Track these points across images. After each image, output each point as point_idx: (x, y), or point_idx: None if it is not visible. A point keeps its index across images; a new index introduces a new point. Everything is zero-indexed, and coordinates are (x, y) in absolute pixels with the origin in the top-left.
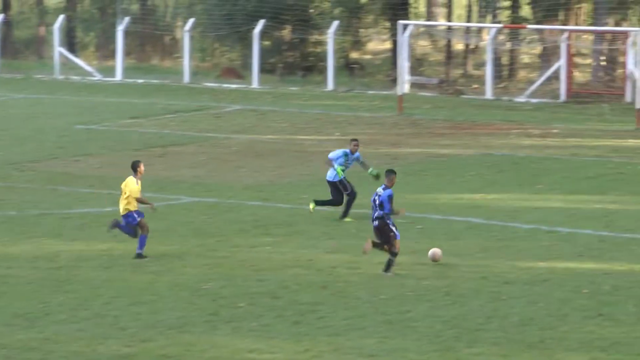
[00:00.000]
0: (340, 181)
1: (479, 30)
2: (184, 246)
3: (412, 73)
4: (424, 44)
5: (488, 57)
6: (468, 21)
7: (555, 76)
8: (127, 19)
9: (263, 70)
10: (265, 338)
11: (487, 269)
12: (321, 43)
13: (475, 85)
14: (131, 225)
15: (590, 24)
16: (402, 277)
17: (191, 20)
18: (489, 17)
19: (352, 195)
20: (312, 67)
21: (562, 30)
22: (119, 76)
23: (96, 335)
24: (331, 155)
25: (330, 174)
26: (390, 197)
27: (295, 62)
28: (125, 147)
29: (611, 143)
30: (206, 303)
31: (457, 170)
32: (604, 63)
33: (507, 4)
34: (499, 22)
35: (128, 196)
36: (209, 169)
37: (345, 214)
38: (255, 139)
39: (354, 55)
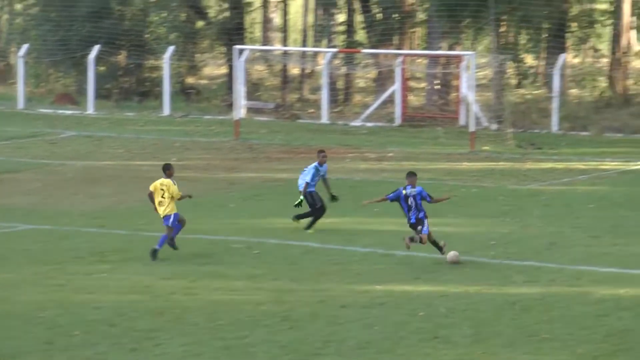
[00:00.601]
0: (310, 193)
1: (315, 54)
2: (19, 274)
3: (248, 98)
4: (260, 69)
5: (324, 81)
6: (304, 46)
7: (390, 100)
8: None
9: (99, 95)
10: None
11: (324, 293)
12: (157, 68)
13: (311, 110)
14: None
15: (424, 48)
16: (240, 303)
17: (25, 46)
18: (325, 42)
19: (321, 211)
20: (148, 92)
21: (397, 55)
22: None
23: None
24: (303, 175)
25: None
26: (423, 190)
27: (131, 88)
28: None
29: (445, 166)
30: (41, 331)
31: (293, 194)
32: (438, 87)
33: (342, 28)
34: (334, 47)
35: (171, 197)
36: (44, 196)
37: (309, 226)
38: (91, 165)
39: (190, 80)
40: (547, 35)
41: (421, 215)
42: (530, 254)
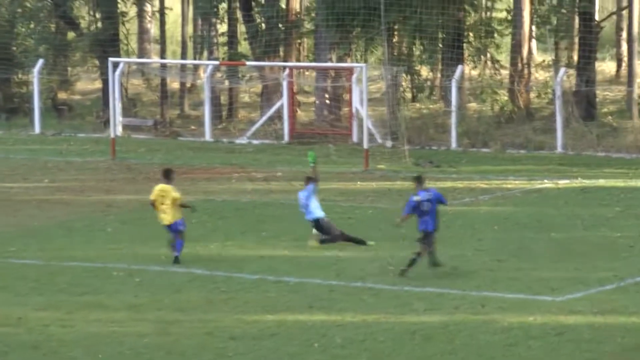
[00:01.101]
0: (318, 220)
1: (195, 67)
2: None
3: (124, 114)
4: (136, 83)
5: (205, 96)
6: (183, 58)
7: (278, 116)
8: None
9: None
10: None
11: (211, 324)
12: (26, 83)
13: (193, 127)
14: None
15: (312, 60)
16: (121, 335)
17: None
18: (205, 54)
19: (334, 239)
20: (16, 109)
21: (283, 67)
22: None
23: None
24: (302, 199)
25: (309, 216)
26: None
27: None
28: None
29: (338, 186)
30: None
31: None
32: (328, 101)
33: (223, 40)
34: (215, 59)
35: (173, 203)
36: None
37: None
38: None
39: (63, 95)
40: (442, 45)
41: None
42: (431, 279)
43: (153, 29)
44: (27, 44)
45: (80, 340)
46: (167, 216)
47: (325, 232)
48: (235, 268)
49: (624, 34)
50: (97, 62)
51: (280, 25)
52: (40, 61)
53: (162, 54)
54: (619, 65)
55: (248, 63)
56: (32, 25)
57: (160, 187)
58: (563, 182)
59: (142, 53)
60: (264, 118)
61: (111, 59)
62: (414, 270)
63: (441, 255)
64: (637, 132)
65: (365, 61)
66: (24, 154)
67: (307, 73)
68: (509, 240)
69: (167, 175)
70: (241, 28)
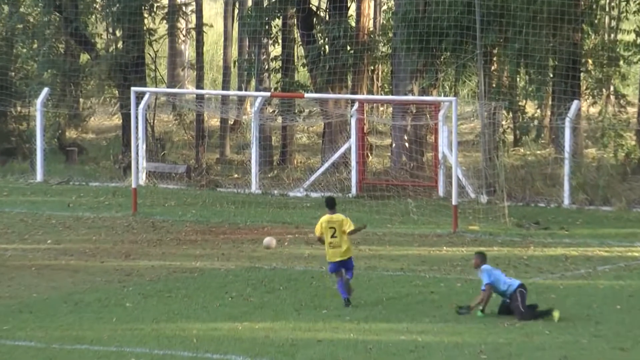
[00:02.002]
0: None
1: (241, 100)
2: None
3: (150, 158)
4: (166, 119)
5: (253, 136)
6: (225, 88)
7: (344, 162)
8: None
9: None
10: None
11: None
12: (26, 117)
13: (236, 175)
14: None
15: (389, 92)
16: None
17: None
18: (253, 83)
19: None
20: (14, 150)
21: (351, 101)
22: None
23: None
24: (501, 281)
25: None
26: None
27: None
28: None
29: (419, 252)
30: None
31: (212, 290)
32: (407, 144)
33: (276, 65)
34: (266, 90)
35: (343, 234)
36: None
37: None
38: None
39: (72, 134)
40: (553, 75)
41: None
42: None
43: (188, 51)
44: (29, 68)
45: None
46: (337, 250)
47: (523, 301)
48: (285, 355)
49: None
50: (116, 92)
51: (348, 48)
52: (45, 90)
53: (199, 83)
54: None
55: (307, 95)
56: (35, 45)
57: (327, 217)
58: None
59: (173, 81)
60: (326, 165)
61: (134, 89)
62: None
63: (550, 340)
64: None
65: (456, 94)
66: (22, 207)
67: (381, 109)
68: (634, 323)
69: (332, 205)
70: (299, 51)
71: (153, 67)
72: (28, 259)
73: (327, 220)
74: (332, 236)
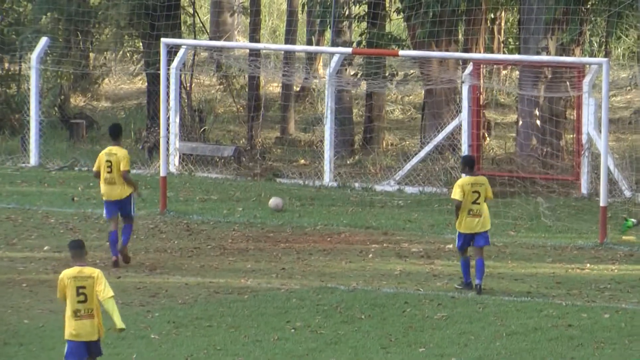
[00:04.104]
0: None
1: (310, 58)
2: None
3: (185, 136)
4: (208, 83)
5: (327, 108)
6: (289, 42)
7: (451, 145)
8: None
9: None
10: None
11: None
12: (17, 77)
13: (303, 161)
14: None
15: (514, 50)
16: None
17: None
18: (329, 35)
19: None
20: (0, 123)
21: (463, 61)
22: None
23: None
24: None
25: None
26: None
27: None
28: None
29: (553, 269)
30: None
31: (269, 317)
32: (539, 123)
33: (360, 10)
34: (346, 44)
35: None
36: None
37: None
38: None
39: (78, 101)
40: None
41: None
42: None
43: None
44: (21, 11)
45: None
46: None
47: None
48: None
49: None
50: (140, 44)
51: None
52: (44, 41)
53: (253, 34)
54: None
55: (401, 53)
56: None
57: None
58: None
59: (218, 31)
60: (427, 149)
61: (165, 40)
62: None
63: None
64: None
65: (607, 54)
66: (9, 200)
67: (504, 72)
68: None
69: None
70: None
71: (191, 12)
72: (17, 271)
73: (471, 183)
74: (475, 202)
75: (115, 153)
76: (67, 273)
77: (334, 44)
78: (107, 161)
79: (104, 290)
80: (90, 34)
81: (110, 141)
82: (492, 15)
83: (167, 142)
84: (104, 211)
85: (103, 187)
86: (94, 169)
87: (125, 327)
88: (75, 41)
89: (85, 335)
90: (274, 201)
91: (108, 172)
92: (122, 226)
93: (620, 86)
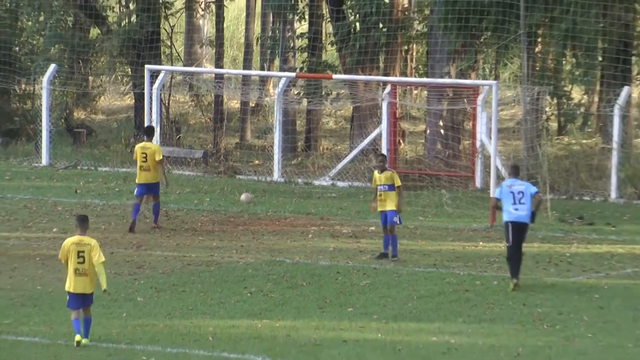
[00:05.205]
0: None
1: (263, 81)
2: None
3: (164, 142)
4: (182, 100)
5: (276, 120)
6: (247, 67)
7: (374, 149)
8: None
9: None
10: None
11: None
12: (31, 96)
13: (257, 161)
14: None
15: (424, 74)
16: None
17: None
18: (277, 63)
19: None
20: (17, 131)
21: (383, 83)
22: None
23: None
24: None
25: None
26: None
27: None
28: None
29: (453, 247)
30: None
31: (230, 284)
32: (443, 131)
33: (302, 43)
34: (291, 70)
35: None
36: None
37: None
38: None
39: (80, 114)
40: (602, 59)
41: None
42: None
43: (207, 26)
44: (35, 43)
45: None
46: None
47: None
48: (308, 355)
49: None
50: (128, 69)
51: (380, 26)
52: (52, 67)
53: (218, 61)
54: None
55: (335, 76)
56: (41, 18)
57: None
58: None
59: (190, 59)
60: (355, 152)
61: (148, 67)
62: None
63: (592, 345)
64: None
65: (496, 78)
66: (25, 192)
67: (415, 92)
68: None
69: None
70: (327, 28)
71: (169, 44)
72: (32, 248)
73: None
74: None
75: (149, 147)
76: (70, 240)
77: (281, 69)
78: (143, 153)
79: (98, 256)
80: (89, 61)
81: (145, 138)
82: (406, 47)
83: None
84: (136, 190)
85: (139, 173)
86: (134, 158)
87: (106, 289)
88: (77, 67)
89: (81, 289)
90: (245, 196)
91: (143, 162)
92: (151, 205)
93: (507, 102)
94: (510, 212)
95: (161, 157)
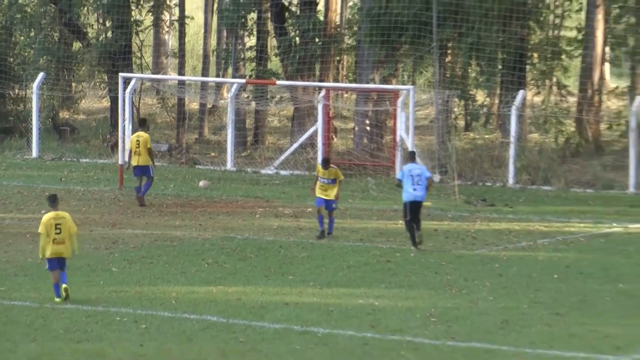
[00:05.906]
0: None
1: (218, 86)
2: None
3: None
4: (150, 103)
5: (229, 119)
6: (204, 75)
7: (311, 143)
8: None
9: None
10: None
11: None
12: (23, 99)
13: (213, 154)
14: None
15: (352, 81)
16: None
17: None
18: (230, 71)
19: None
20: (12, 128)
21: (318, 88)
22: None
23: None
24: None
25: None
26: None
27: None
28: None
29: (377, 225)
30: None
31: (190, 257)
32: (368, 128)
33: (251, 55)
34: (241, 77)
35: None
36: None
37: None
38: None
39: (65, 115)
40: (502, 67)
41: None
42: (479, 334)
43: (171, 40)
44: (26, 55)
45: None
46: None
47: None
48: (255, 316)
49: None
50: (105, 77)
51: (317, 40)
52: (41, 75)
53: (181, 70)
54: None
55: (278, 82)
56: (32, 34)
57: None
58: (634, 227)
59: (157, 68)
60: (295, 146)
61: (122, 74)
62: (453, 313)
63: (492, 306)
64: None
65: (413, 83)
66: (18, 180)
67: (345, 95)
68: (570, 291)
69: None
70: (272, 42)
71: (139, 55)
72: (24, 227)
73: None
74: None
75: (142, 135)
76: (48, 215)
77: (234, 76)
78: (137, 141)
79: (71, 227)
80: (72, 70)
81: (138, 128)
82: (338, 58)
83: (123, 142)
84: (133, 173)
85: (133, 158)
86: (128, 147)
87: (76, 252)
88: (62, 75)
89: (58, 254)
90: (203, 183)
91: (137, 148)
92: (144, 183)
93: (422, 104)
94: (409, 192)
95: (149, 146)
